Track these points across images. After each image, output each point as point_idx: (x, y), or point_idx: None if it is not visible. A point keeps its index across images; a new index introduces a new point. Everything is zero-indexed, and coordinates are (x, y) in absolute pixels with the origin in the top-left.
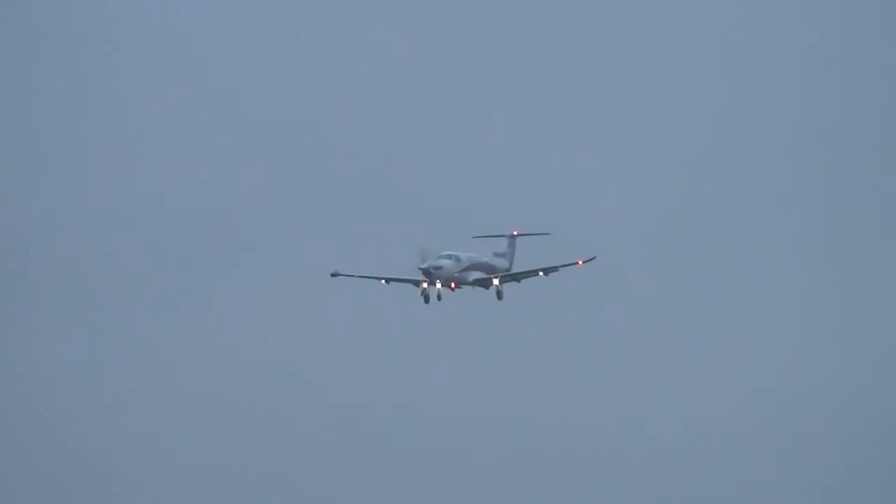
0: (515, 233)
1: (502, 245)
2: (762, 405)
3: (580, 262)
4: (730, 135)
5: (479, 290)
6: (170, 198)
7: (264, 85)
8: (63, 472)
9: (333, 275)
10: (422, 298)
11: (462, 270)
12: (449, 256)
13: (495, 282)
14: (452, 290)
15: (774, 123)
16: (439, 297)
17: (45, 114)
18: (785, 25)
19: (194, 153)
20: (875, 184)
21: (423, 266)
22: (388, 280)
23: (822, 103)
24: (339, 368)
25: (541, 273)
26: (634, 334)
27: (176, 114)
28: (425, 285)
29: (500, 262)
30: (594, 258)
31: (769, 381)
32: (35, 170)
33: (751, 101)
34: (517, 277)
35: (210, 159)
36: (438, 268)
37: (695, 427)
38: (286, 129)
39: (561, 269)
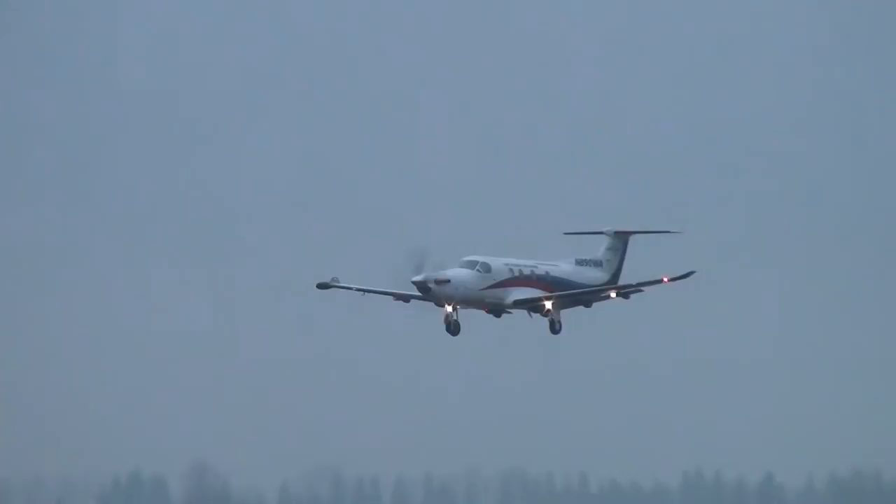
0: (624, 229)
1: (599, 248)
2: None
3: (665, 279)
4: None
5: (536, 315)
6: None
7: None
8: None
9: (323, 286)
10: (444, 326)
11: (491, 287)
12: (471, 263)
13: (548, 305)
14: (497, 315)
15: None
16: (454, 328)
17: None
18: None
19: (194, 150)
20: None
21: (417, 279)
22: (406, 298)
23: None
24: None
25: (613, 294)
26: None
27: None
28: (450, 309)
29: (588, 275)
30: (691, 273)
31: None
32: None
33: None
34: (584, 300)
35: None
36: (443, 281)
37: None
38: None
39: (646, 288)
